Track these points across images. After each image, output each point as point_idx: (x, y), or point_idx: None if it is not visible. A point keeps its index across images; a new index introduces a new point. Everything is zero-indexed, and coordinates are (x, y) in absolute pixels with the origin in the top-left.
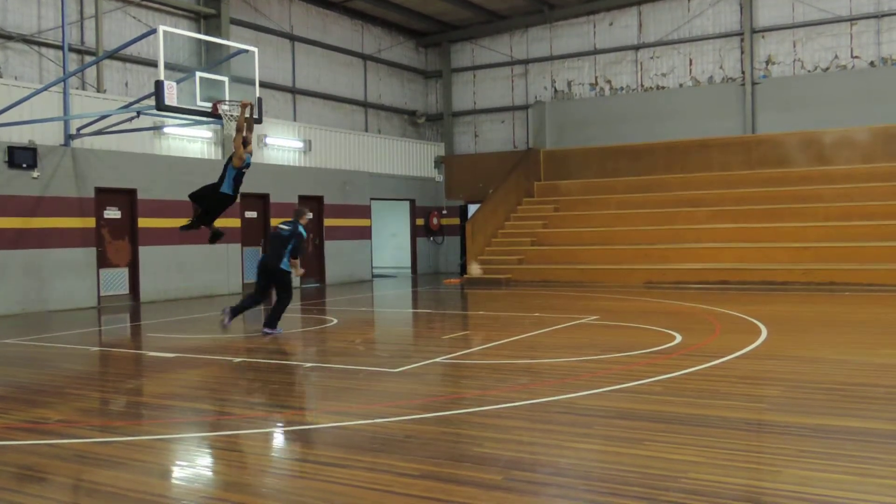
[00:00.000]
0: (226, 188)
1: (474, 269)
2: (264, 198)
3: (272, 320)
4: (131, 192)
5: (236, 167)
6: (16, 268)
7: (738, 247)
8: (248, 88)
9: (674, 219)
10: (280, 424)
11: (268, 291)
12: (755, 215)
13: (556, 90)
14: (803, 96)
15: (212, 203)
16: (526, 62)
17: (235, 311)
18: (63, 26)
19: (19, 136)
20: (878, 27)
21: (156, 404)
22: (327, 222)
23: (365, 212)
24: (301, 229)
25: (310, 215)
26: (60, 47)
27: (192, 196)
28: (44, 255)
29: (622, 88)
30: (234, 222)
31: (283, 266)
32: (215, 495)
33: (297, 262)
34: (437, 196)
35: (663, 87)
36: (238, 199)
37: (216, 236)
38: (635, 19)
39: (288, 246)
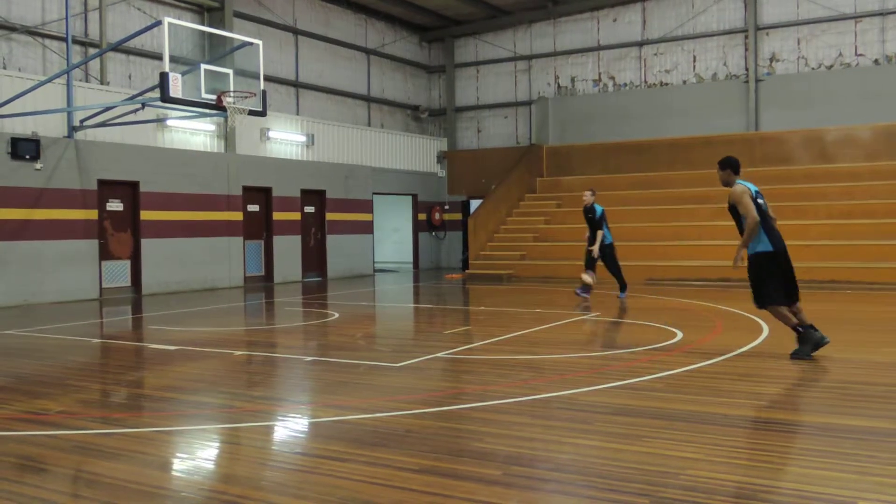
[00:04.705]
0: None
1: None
2: (267, 191)
3: None
4: (134, 185)
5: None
6: (18, 259)
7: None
8: (253, 82)
9: (676, 216)
10: (280, 418)
11: None
12: None
13: (559, 86)
14: (807, 94)
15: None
16: (529, 58)
17: None
18: (67, 18)
19: (23, 128)
20: (882, 25)
21: (156, 396)
22: (329, 216)
23: (367, 206)
24: None
25: None
26: (64, 39)
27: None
28: (46, 246)
29: (625, 85)
30: (237, 216)
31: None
32: (215, 488)
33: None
34: (439, 191)
35: (667, 84)
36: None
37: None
38: (639, 16)
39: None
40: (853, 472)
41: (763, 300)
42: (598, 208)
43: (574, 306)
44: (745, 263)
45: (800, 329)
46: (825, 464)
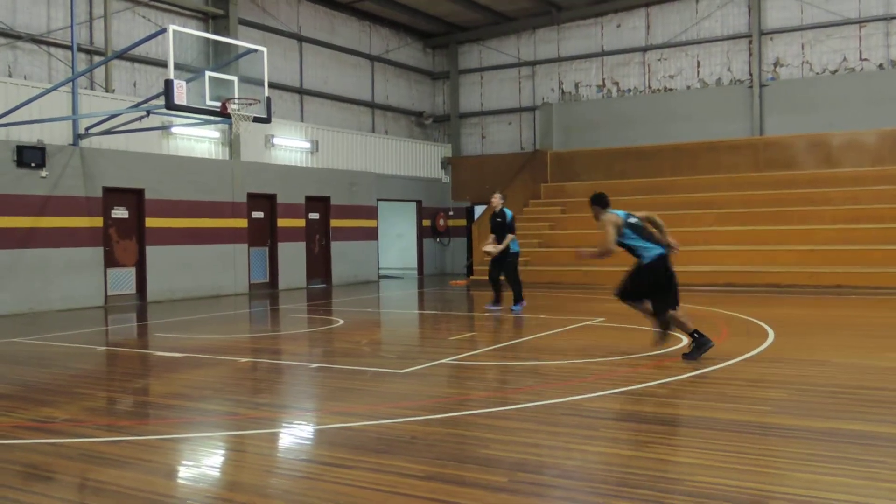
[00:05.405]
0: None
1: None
2: (271, 198)
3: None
4: (139, 192)
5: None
6: (24, 267)
7: (745, 249)
8: (257, 89)
9: (681, 221)
10: (285, 425)
11: None
12: (762, 218)
13: (563, 92)
14: (811, 98)
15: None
16: (533, 64)
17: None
18: (72, 26)
19: (28, 136)
20: (886, 30)
21: (162, 404)
22: (334, 223)
23: (371, 212)
24: None
25: None
26: (69, 47)
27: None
28: (51, 254)
29: (630, 90)
30: (241, 223)
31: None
32: (220, 495)
33: None
34: (443, 197)
35: (671, 89)
36: None
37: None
38: (643, 21)
39: None
40: (862, 477)
41: (627, 296)
42: (509, 213)
43: (578, 312)
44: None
45: (662, 329)
46: (834, 469)
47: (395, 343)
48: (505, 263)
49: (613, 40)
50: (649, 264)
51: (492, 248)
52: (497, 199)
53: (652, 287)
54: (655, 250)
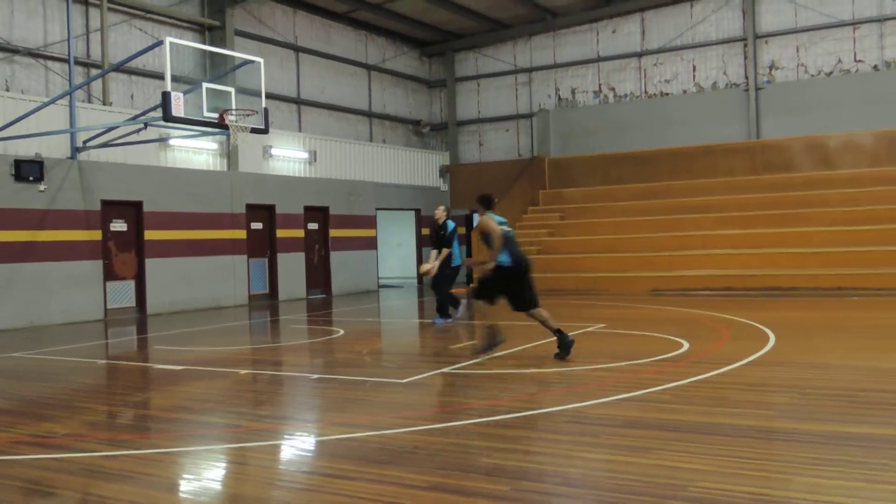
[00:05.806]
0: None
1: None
2: (270, 209)
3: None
4: (137, 205)
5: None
6: (23, 281)
7: (743, 253)
8: (254, 100)
9: (679, 225)
10: (287, 436)
11: None
12: (760, 221)
13: (559, 98)
14: (807, 101)
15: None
16: (529, 70)
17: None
18: (69, 39)
19: (26, 150)
20: (881, 31)
21: (163, 417)
22: (333, 233)
23: (370, 222)
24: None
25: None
26: (66, 60)
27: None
28: (50, 268)
29: (626, 95)
30: (240, 234)
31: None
32: None
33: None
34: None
35: (667, 94)
36: None
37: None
38: (638, 26)
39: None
40: (864, 480)
41: (479, 295)
42: (451, 225)
43: (578, 319)
44: (488, 268)
45: (489, 326)
46: (836, 473)
47: (396, 353)
48: (443, 275)
49: (609, 46)
50: (499, 267)
51: (427, 266)
52: (440, 212)
53: (501, 287)
54: (505, 258)
